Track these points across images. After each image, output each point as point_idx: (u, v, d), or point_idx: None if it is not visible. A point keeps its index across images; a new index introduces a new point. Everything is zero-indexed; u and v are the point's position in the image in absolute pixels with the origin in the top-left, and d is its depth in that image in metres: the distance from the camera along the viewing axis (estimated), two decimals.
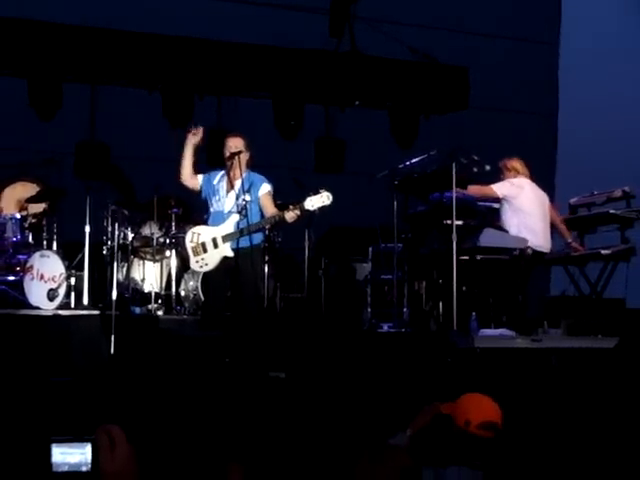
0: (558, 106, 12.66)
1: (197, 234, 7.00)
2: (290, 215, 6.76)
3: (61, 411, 4.94)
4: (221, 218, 6.96)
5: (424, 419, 3.63)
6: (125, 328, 7.32)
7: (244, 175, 6.95)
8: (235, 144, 7.03)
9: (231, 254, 6.85)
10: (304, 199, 6.74)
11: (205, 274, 7.17)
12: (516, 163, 8.02)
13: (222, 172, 7.11)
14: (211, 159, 8.92)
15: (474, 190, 7.91)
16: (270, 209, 7.01)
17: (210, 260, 6.90)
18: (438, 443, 3.53)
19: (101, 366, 6.94)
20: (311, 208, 6.74)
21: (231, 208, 6.91)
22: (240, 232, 6.82)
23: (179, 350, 6.63)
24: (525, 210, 7.83)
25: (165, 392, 5.61)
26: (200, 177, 7.14)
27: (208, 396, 5.60)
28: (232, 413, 5.33)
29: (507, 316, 7.52)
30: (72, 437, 2.08)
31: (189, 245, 6.99)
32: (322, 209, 6.78)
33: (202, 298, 8.43)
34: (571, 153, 12.04)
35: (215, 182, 7.08)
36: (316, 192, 6.75)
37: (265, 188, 7.02)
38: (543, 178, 12.14)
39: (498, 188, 7.88)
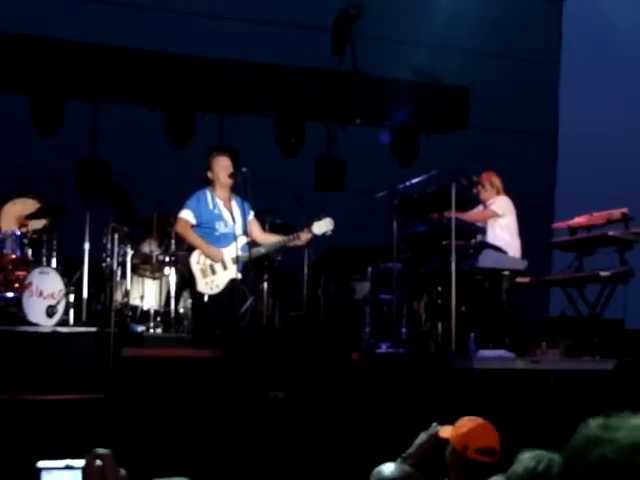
0: (558, 126, 12.68)
1: (204, 256, 6.93)
2: (305, 237, 6.99)
3: (52, 434, 4.91)
4: (230, 240, 6.87)
5: (424, 449, 3.63)
6: (122, 346, 7.28)
7: (235, 197, 7.00)
8: (230, 163, 7.01)
9: (239, 276, 6.86)
10: (311, 224, 6.95)
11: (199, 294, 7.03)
12: (498, 180, 7.97)
13: (207, 194, 6.99)
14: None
15: (475, 217, 7.90)
16: (259, 231, 7.20)
17: (220, 282, 6.84)
18: (436, 468, 3.52)
19: (99, 384, 6.91)
20: (318, 233, 6.97)
21: (240, 230, 6.88)
22: (258, 253, 6.98)
23: (175, 369, 6.60)
24: (511, 230, 7.83)
25: (160, 413, 5.59)
26: (191, 217, 6.97)
27: (205, 417, 5.58)
28: (230, 433, 5.31)
29: (504, 337, 7.50)
30: (62, 462, 2.07)
31: (196, 267, 6.86)
32: (324, 235, 7.00)
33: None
34: (571, 174, 12.05)
35: (211, 207, 6.97)
36: (319, 218, 6.96)
37: (251, 212, 7.08)
38: (543, 198, 12.22)
39: (497, 208, 7.86)
